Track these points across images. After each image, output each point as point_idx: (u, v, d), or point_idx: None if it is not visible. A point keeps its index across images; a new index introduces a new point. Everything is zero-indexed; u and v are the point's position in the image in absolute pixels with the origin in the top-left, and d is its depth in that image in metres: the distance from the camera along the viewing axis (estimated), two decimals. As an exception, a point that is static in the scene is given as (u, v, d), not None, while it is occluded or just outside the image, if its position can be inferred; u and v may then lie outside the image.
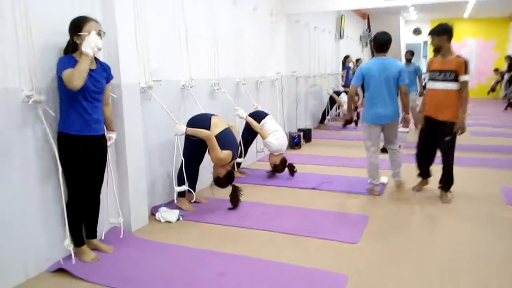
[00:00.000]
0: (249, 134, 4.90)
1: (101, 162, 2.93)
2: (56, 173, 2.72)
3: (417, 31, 17.72)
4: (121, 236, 3.21)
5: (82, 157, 2.73)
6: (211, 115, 3.89)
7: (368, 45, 14.58)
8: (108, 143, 3.00)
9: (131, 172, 3.35)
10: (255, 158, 5.84)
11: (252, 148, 5.28)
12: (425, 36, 17.05)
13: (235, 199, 3.81)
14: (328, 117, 9.44)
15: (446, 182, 4.00)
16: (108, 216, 3.23)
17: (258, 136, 4.92)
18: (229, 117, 4.63)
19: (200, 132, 3.62)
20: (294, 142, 6.75)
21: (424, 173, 4.22)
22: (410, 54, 7.75)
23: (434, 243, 3.09)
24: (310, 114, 8.61)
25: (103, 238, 3.17)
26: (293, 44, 7.39)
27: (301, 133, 6.99)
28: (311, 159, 5.90)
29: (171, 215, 3.63)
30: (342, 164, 5.60)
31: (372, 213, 3.73)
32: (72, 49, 2.66)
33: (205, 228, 3.45)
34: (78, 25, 2.61)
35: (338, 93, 9.25)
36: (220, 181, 3.76)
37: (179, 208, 3.81)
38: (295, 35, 7.49)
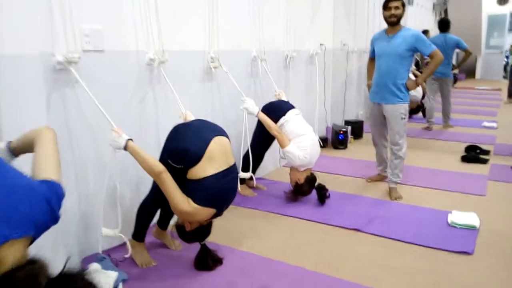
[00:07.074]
0: (263, 137, 3.22)
1: None
2: None
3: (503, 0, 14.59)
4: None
5: None
6: (213, 133, 2.16)
7: (443, 14, 12.03)
8: None
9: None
10: (278, 164, 4.23)
11: (274, 148, 3.66)
12: (513, 5, 14.06)
13: (201, 265, 2.29)
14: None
15: None
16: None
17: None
18: (231, 114, 3.05)
19: (147, 162, 1.98)
20: (338, 140, 5.03)
21: None
22: None
23: None
24: (364, 101, 6.58)
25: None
26: (345, 8, 5.54)
27: (349, 127, 5.23)
28: (358, 167, 4.16)
29: (106, 279, 2.17)
30: (408, 180, 3.74)
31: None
32: None
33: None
34: None
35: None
36: (185, 235, 2.23)
37: None
38: (348, -4, 5.63)
